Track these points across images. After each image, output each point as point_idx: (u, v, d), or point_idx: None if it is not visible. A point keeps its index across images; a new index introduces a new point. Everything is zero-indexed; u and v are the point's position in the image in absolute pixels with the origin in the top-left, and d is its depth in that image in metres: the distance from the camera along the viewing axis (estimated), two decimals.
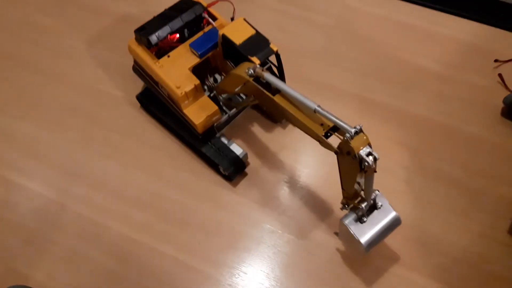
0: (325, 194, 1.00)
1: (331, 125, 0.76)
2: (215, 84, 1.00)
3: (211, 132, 0.99)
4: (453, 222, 0.96)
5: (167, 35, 0.95)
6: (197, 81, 0.94)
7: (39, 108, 1.13)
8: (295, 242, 0.95)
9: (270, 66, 0.96)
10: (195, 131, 0.97)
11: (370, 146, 0.70)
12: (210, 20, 0.98)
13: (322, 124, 0.77)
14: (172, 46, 0.97)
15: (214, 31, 0.96)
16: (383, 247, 0.93)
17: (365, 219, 0.82)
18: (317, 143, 0.78)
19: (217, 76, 1.04)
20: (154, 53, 0.97)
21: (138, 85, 1.11)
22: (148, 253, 0.95)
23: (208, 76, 1.01)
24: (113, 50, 1.19)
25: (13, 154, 1.08)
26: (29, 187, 1.03)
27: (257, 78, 0.84)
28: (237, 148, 0.99)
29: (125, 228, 0.98)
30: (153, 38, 0.94)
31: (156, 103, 1.04)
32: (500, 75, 1.12)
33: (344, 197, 0.83)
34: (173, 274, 0.93)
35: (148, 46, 0.95)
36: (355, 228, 0.82)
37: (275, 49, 0.91)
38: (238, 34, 0.91)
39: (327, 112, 0.74)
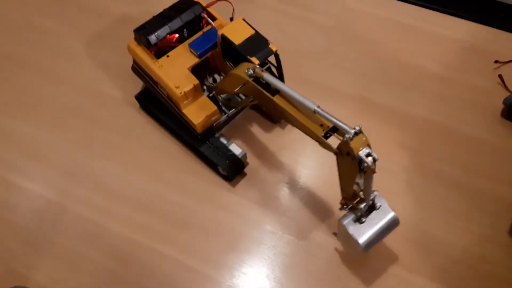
0: (325, 194, 1.00)
1: (331, 125, 0.76)
2: (214, 84, 1.00)
3: (210, 132, 0.99)
4: (453, 222, 0.96)
5: (166, 35, 0.95)
6: (196, 81, 0.93)
7: (39, 109, 1.13)
8: (295, 243, 0.95)
9: (270, 67, 0.96)
10: (194, 131, 0.97)
11: (370, 147, 0.70)
12: (210, 20, 0.98)
13: (321, 125, 0.77)
14: (171, 46, 0.97)
15: (213, 31, 0.96)
16: (383, 248, 0.93)
17: (363, 220, 0.82)
18: (317, 143, 0.78)
19: (216, 76, 1.04)
20: (153, 53, 0.97)
21: (137, 85, 1.11)
22: (148, 254, 0.95)
23: (207, 76, 1.01)
24: (113, 51, 1.19)
25: (13, 155, 1.08)
26: (29, 188, 1.03)
27: (257, 79, 0.84)
28: (236, 148, 0.99)
29: (125, 229, 0.98)
30: (153, 38, 0.94)
31: (155, 103, 1.04)
32: (500, 76, 1.12)
33: (343, 197, 0.83)
34: (174, 274, 0.93)
35: (148, 46, 0.95)
36: (353, 229, 0.82)
37: (274, 49, 0.91)
38: (237, 34, 0.91)
39: (326, 112, 0.74)
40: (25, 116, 1.12)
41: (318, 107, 0.75)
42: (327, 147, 0.75)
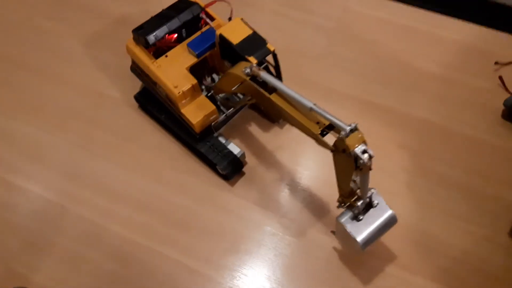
0: (325, 194, 0.99)
1: (327, 123, 0.76)
2: (213, 84, 1.00)
3: (209, 131, 0.99)
4: (453, 223, 0.96)
5: (164, 35, 0.96)
6: (195, 81, 0.94)
7: (38, 109, 1.14)
8: (296, 244, 0.95)
9: (267, 66, 0.97)
10: (192, 131, 0.98)
11: (366, 144, 0.70)
12: (208, 20, 0.98)
13: (318, 123, 0.77)
14: (169, 46, 0.97)
15: (212, 31, 0.96)
16: (383, 248, 0.93)
17: (361, 217, 0.82)
18: (314, 142, 0.78)
19: (215, 76, 1.04)
20: (152, 53, 0.97)
21: (137, 86, 1.11)
22: (149, 254, 0.95)
23: (206, 75, 1.01)
24: (113, 51, 1.19)
25: (13, 155, 1.08)
26: (29, 188, 1.04)
27: (254, 77, 0.84)
28: (234, 148, 0.99)
29: (125, 229, 0.98)
30: (151, 38, 0.94)
31: (154, 103, 1.05)
32: (500, 78, 1.12)
33: (340, 195, 0.83)
34: (174, 275, 0.93)
35: (146, 46, 0.96)
36: (351, 227, 0.82)
37: (272, 48, 0.91)
38: (235, 34, 0.92)
39: (322, 110, 0.74)
40: (25, 116, 1.13)
41: (315, 104, 0.75)
42: (324, 144, 0.76)
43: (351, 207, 0.82)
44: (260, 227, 0.97)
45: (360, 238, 0.81)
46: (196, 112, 0.95)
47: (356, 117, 1.06)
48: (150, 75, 0.97)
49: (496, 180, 1.00)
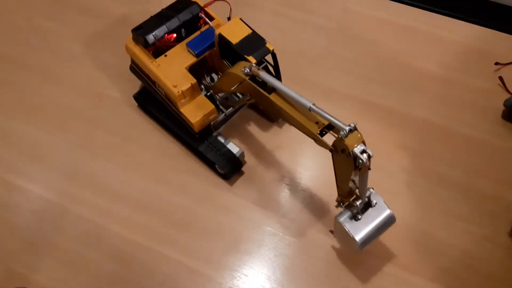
0: (324, 194, 0.99)
1: (326, 123, 0.76)
2: (212, 83, 1.00)
3: (208, 131, 0.99)
4: (453, 223, 0.95)
5: (164, 35, 0.96)
6: (194, 80, 0.94)
7: (39, 109, 1.14)
8: (296, 245, 0.95)
9: (266, 65, 0.96)
10: (192, 130, 0.97)
11: (364, 144, 0.70)
12: (207, 19, 0.98)
13: (317, 122, 0.77)
14: (169, 45, 0.97)
15: (211, 30, 0.96)
16: (383, 249, 0.93)
17: (359, 217, 0.82)
18: (313, 142, 0.78)
19: (214, 76, 1.04)
20: (151, 52, 0.97)
21: (137, 86, 1.11)
22: (149, 254, 0.95)
23: (205, 75, 1.01)
24: (113, 51, 1.19)
25: (13, 156, 1.08)
26: (29, 189, 1.04)
27: (253, 77, 0.84)
28: (233, 147, 0.99)
29: (125, 230, 0.98)
30: (150, 37, 0.94)
31: (153, 102, 1.04)
32: (500, 78, 1.12)
33: (339, 194, 0.83)
34: (174, 275, 0.93)
35: (145, 45, 0.95)
36: (350, 226, 0.82)
37: (271, 48, 0.91)
38: (234, 33, 0.92)
39: (322, 110, 0.74)
40: (25, 116, 1.13)
41: (314, 104, 0.75)
42: (323, 144, 0.75)
43: (349, 206, 0.82)
44: (260, 227, 0.97)
45: (358, 237, 0.81)
46: (195, 111, 0.95)
47: (356, 117, 1.06)
48: (150, 74, 0.97)
49: (496, 180, 1.00)
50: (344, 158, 0.71)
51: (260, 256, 0.94)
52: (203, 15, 0.98)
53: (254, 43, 0.91)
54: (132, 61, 1.03)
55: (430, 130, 1.06)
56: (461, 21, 1.22)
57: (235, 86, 0.89)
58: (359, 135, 0.70)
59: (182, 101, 0.94)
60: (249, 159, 1.04)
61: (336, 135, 0.72)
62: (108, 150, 1.07)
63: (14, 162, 1.07)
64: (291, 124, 0.82)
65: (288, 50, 1.15)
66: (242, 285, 0.92)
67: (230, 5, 0.99)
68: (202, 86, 1.01)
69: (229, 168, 0.99)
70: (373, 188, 0.81)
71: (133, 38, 0.98)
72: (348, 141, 0.69)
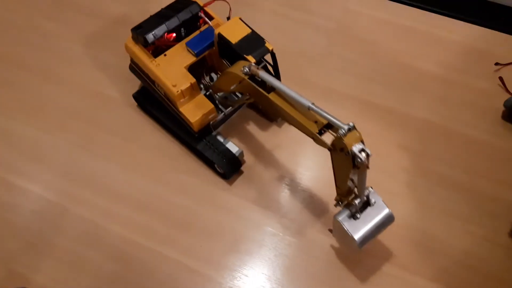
0: (324, 194, 0.99)
1: (325, 122, 0.76)
2: (211, 83, 1.01)
3: (207, 130, 0.99)
4: (454, 223, 0.95)
5: (163, 34, 0.96)
6: (193, 80, 0.94)
7: (39, 110, 1.14)
8: (296, 245, 0.95)
9: (266, 65, 0.97)
10: (191, 129, 0.97)
11: (363, 143, 0.70)
12: (206, 19, 0.98)
13: (316, 122, 0.77)
14: (168, 45, 0.97)
15: (210, 30, 0.96)
16: (383, 249, 0.93)
17: (358, 216, 0.82)
18: (312, 141, 0.78)
19: (213, 75, 1.04)
20: (150, 52, 0.97)
21: (137, 86, 1.11)
22: (149, 255, 0.95)
23: (204, 75, 1.01)
24: (113, 51, 1.19)
25: (13, 156, 1.08)
26: (29, 189, 1.04)
27: (252, 76, 0.84)
28: (233, 146, 0.99)
29: (125, 230, 0.97)
30: (150, 36, 0.94)
31: (152, 101, 1.04)
32: (500, 78, 1.12)
33: (338, 194, 0.83)
34: (174, 275, 0.93)
35: (145, 44, 0.96)
36: (348, 225, 0.82)
37: (270, 47, 0.91)
38: (233, 33, 0.92)
39: (320, 109, 0.74)
40: (25, 117, 1.13)
41: (313, 104, 0.75)
42: (322, 143, 0.75)
43: (348, 205, 0.82)
44: (260, 227, 0.97)
45: (357, 236, 0.81)
46: (195, 111, 0.95)
47: (356, 117, 1.06)
48: (149, 74, 0.97)
49: (496, 180, 0.99)
50: (343, 157, 0.72)
51: (260, 256, 0.94)
52: (202, 15, 0.98)
53: (253, 42, 0.91)
54: (132, 61, 1.03)
55: (430, 130, 1.06)
56: (461, 21, 1.22)
57: (234, 86, 0.89)
58: (357, 134, 0.70)
59: (181, 100, 0.94)
60: (248, 158, 1.04)
61: (335, 134, 0.72)
62: (108, 150, 1.07)
63: (14, 162, 1.07)
64: (290, 123, 0.82)
65: (288, 50, 1.15)
66: (242, 285, 0.92)
67: (229, 5, 0.99)
68: (202, 86, 1.01)
69: (229, 168, 0.99)
70: (372, 187, 0.81)
71: (133, 38, 0.98)
72: (346, 140, 0.69)
